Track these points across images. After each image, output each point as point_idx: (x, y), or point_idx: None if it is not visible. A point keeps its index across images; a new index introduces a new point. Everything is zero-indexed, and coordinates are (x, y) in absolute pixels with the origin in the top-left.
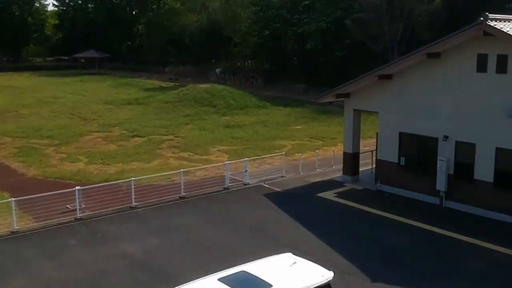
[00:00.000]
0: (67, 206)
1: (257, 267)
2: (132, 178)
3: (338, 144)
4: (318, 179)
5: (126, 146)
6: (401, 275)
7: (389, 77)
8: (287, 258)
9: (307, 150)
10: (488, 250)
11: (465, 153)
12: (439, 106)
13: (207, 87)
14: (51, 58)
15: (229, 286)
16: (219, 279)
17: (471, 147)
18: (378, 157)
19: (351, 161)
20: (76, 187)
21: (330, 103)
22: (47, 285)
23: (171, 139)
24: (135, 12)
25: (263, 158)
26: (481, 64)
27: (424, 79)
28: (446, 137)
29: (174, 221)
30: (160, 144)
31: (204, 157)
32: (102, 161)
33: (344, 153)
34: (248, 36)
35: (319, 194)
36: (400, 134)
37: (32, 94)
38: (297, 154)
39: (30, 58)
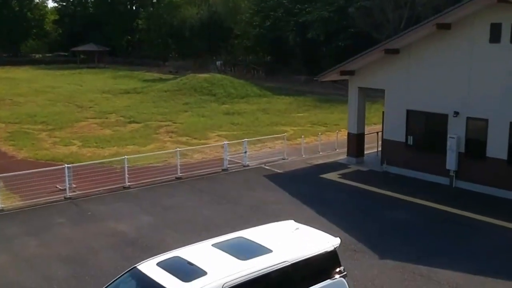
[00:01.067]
0: (57, 186)
1: (255, 233)
2: (126, 157)
3: (342, 129)
4: (321, 161)
5: (122, 131)
6: (410, 252)
7: (396, 51)
8: (289, 224)
9: (310, 135)
10: (502, 228)
11: (476, 130)
12: (449, 80)
13: (207, 76)
14: (50, 54)
15: (223, 251)
16: (213, 245)
17: (483, 123)
18: (384, 137)
19: (355, 142)
20: (66, 165)
21: (334, 82)
22: (29, 262)
23: (168, 125)
24: (135, 7)
25: (264, 142)
26: (495, 34)
27: (434, 53)
28: (456, 113)
29: (169, 201)
30: (157, 129)
31: (202, 141)
32: (96, 145)
33: (349, 134)
34: (249, 27)
35: (322, 175)
36: (408, 111)
37: (28, 85)
38: (299, 139)
39: (30, 54)
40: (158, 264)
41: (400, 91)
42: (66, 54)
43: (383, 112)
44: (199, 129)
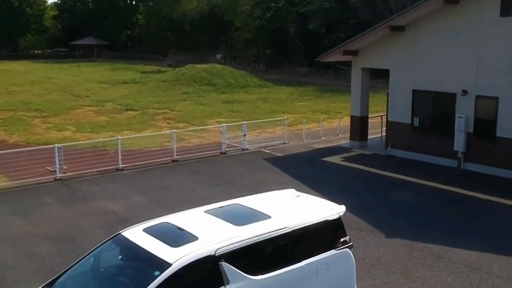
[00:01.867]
0: (48, 168)
1: (253, 200)
2: (119, 137)
3: (344, 117)
4: (323, 146)
5: (118, 118)
6: (418, 231)
7: (401, 29)
8: (290, 192)
9: (311, 122)
10: None
11: (486, 109)
12: (457, 58)
13: (206, 67)
14: (49, 50)
15: (217, 217)
16: (206, 211)
17: (493, 101)
18: (388, 119)
19: (359, 125)
20: (56, 144)
21: (336, 64)
22: (13, 240)
23: (166, 112)
24: (135, 1)
25: (264, 128)
26: (506, 7)
27: (441, 29)
28: (465, 92)
29: (164, 182)
30: (154, 116)
31: (200, 127)
32: (91, 130)
33: (352, 117)
34: (249, 19)
35: (325, 159)
36: (414, 92)
37: (24, 76)
38: (300, 125)
39: (29, 50)
40: (145, 230)
41: (405, 71)
42: (65, 50)
43: (387, 93)
44: (197, 116)
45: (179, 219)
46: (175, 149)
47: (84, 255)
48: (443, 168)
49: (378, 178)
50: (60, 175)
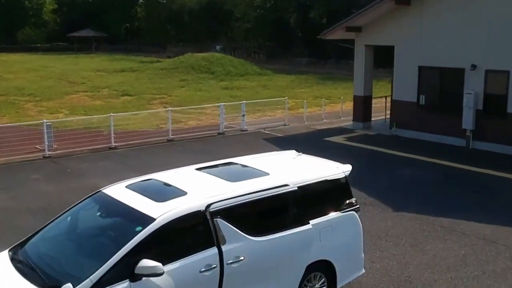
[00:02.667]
0: (36, 146)
1: (249, 159)
2: (112, 114)
3: (347, 101)
4: (324, 127)
5: (113, 102)
6: (427, 206)
7: (407, 2)
8: (291, 152)
9: (313, 106)
10: None
11: (496, 84)
12: (466, 30)
13: (205, 55)
14: (48, 45)
15: (210, 174)
16: (197, 169)
17: (504, 75)
18: (393, 98)
19: (362, 105)
20: (44, 120)
21: (339, 42)
22: None
23: (163, 97)
24: None
25: (264, 111)
26: None
27: (449, 1)
28: (474, 67)
29: (158, 160)
30: (150, 101)
31: (198, 111)
32: (84, 113)
33: (355, 97)
34: (249, 9)
35: (327, 139)
36: (420, 68)
37: (21, 65)
38: (301, 109)
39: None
40: (128, 186)
41: (411, 47)
42: (64, 44)
43: (392, 70)
44: (195, 101)
45: (167, 175)
46: (170, 128)
47: (59, 214)
48: (450, 147)
49: (383, 156)
50: (49, 153)
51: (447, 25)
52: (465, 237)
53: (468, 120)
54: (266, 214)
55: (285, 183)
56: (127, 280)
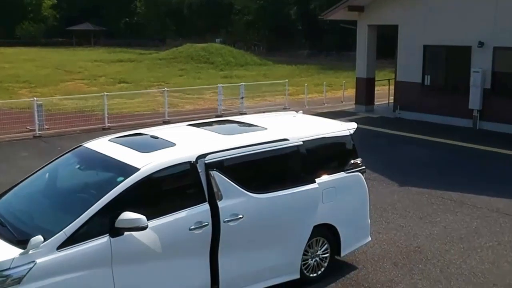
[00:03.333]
0: (27, 127)
1: (246, 117)
2: (105, 93)
3: (349, 88)
4: (326, 111)
5: (110, 89)
6: (434, 182)
7: None
8: (290, 112)
9: (314, 92)
10: None
11: (505, 61)
12: (472, 6)
13: (204, 45)
14: (47, 40)
15: (203, 129)
16: (190, 124)
17: None
18: (397, 79)
19: (365, 88)
20: (34, 98)
21: (340, 24)
22: None
23: (160, 85)
24: None
25: (263, 97)
26: None
27: None
28: (481, 44)
29: None
30: (148, 88)
31: (196, 96)
32: (80, 98)
33: (357, 79)
34: (249, 2)
35: None
36: (425, 47)
37: (18, 56)
38: (302, 95)
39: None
40: (112, 140)
41: (416, 25)
42: (63, 39)
43: (396, 51)
44: (193, 92)
45: (155, 130)
46: (166, 110)
47: (35, 170)
48: (457, 128)
49: (387, 136)
50: (39, 132)
51: (452, 1)
52: (477, 210)
53: (475, 100)
54: (267, 170)
55: (285, 137)
56: (107, 235)
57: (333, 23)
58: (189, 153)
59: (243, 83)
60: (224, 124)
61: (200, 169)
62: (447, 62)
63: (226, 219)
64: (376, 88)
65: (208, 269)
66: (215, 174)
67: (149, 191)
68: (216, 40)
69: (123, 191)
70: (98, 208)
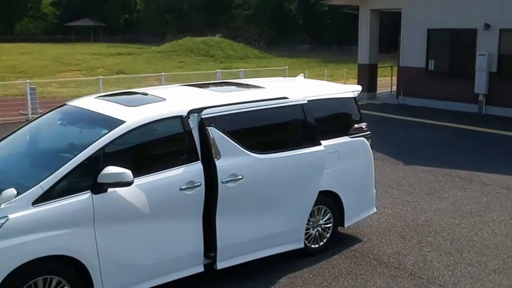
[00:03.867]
0: (21, 112)
1: (243, 80)
2: (101, 77)
3: (350, 78)
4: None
5: (107, 80)
6: (440, 161)
7: None
8: (291, 78)
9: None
10: None
11: None
12: None
13: (204, 39)
14: (47, 36)
15: (196, 87)
16: (183, 84)
17: None
18: (400, 65)
19: (367, 74)
20: (27, 80)
21: (342, 9)
22: None
23: (159, 75)
24: None
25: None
26: None
27: None
28: (487, 26)
29: None
30: (146, 78)
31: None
32: (76, 86)
33: (359, 66)
34: None
35: None
36: (429, 31)
37: (16, 49)
38: None
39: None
40: (99, 97)
41: (419, 8)
42: (63, 36)
43: (398, 35)
44: (192, 78)
45: (146, 89)
46: None
47: (16, 128)
48: (462, 114)
49: (391, 120)
50: (33, 116)
51: None
52: (487, 187)
53: (480, 84)
54: (268, 130)
55: (284, 96)
56: (89, 191)
57: (334, 17)
58: (180, 107)
59: (242, 69)
60: (221, 85)
61: (193, 125)
62: (452, 46)
63: (224, 180)
64: (378, 79)
65: (201, 235)
66: (212, 130)
67: (136, 146)
68: (216, 35)
69: (107, 145)
70: (79, 161)
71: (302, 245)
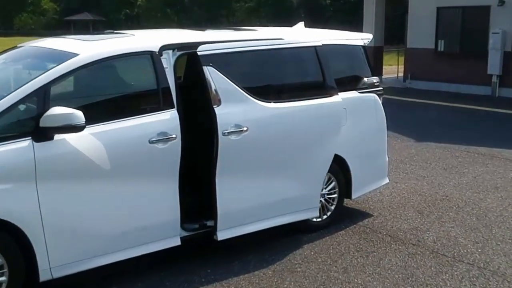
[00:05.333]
0: None
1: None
2: None
3: None
4: None
5: None
6: (455, 138)
7: None
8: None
9: None
10: None
11: None
12: None
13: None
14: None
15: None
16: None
17: None
18: (408, 46)
19: (372, 57)
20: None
21: None
22: None
23: None
24: None
25: None
26: None
27: None
28: (502, 2)
29: None
30: None
31: None
32: None
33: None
34: None
35: None
36: (438, 9)
37: (14, 43)
38: None
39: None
40: (59, 36)
41: None
42: (62, 31)
43: (405, 14)
44: None
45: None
46: None
47: None
48: (474, 97)
49: (399, 102)
50: None
51: None
52: (510, 162)
53: (494, 64)
54: (277, 74)
55: (281, 37)
56: (29, 137)
57: (336, 9)
58: (150, 42)
59: None
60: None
61: (166, 64)
62: (463, 25)
63: (225, 131)
64: (383, 67)
65: (177, 199)
66: (210, 70)
67: (92, 86)
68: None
69: (53, 81)
70: (15, 99)
71: (317, 214)
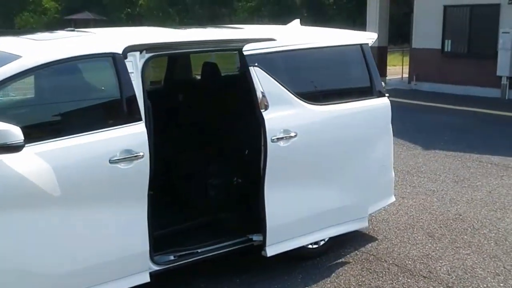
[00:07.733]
0: None
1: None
2: None
3: None
4: None
5: None
6: (463, 146)
7: None
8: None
9: None
10: None
11: None
12: None
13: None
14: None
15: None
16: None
17: None
18: (413, 46)
19: (376, 57)
20: None
21: None
22: None
23: None
24: None
25: None
26: None
27: None
28: None
29: None
30: None
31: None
32: None
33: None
34: None
35: None
36: (445, 8)
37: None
38: None
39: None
40: (19, 36)
41: None
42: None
43: (411, 13)
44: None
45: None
46: None
47: None
48: (482, 99)
49: (404, 105)
50: None
51: None
52: None
53: (504, 65)
54: (323, 74)
55: (272, 38)
56: None
57: (339, 7)
58: (112, 43)
59: None
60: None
61: (133, 68)
62: (471, 24)
63: (274, 137)
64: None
65: (145, 228)
66: (257, 71)
67: (37, 96)
68: None
69: None
70: None
71: (366, 225)
